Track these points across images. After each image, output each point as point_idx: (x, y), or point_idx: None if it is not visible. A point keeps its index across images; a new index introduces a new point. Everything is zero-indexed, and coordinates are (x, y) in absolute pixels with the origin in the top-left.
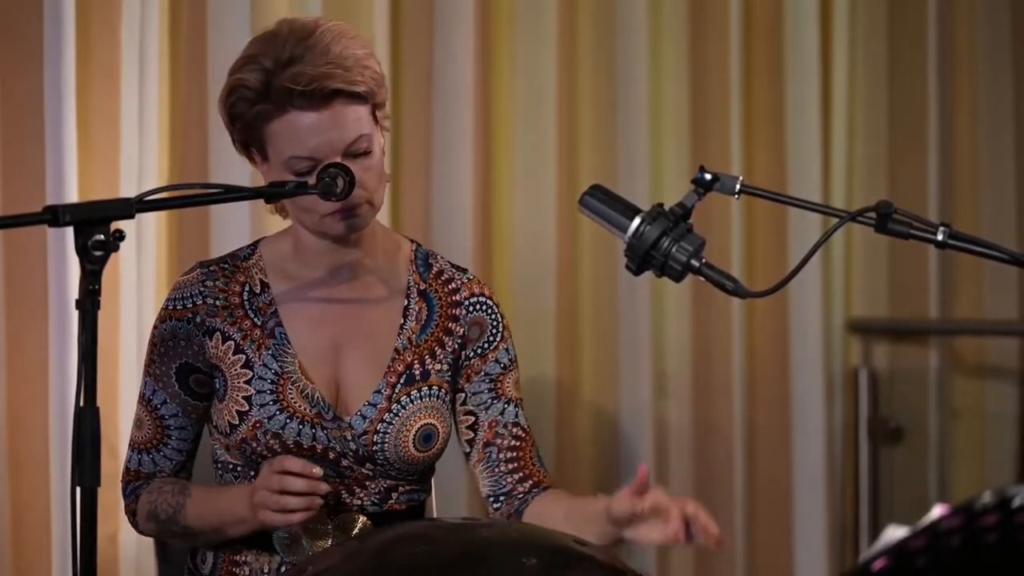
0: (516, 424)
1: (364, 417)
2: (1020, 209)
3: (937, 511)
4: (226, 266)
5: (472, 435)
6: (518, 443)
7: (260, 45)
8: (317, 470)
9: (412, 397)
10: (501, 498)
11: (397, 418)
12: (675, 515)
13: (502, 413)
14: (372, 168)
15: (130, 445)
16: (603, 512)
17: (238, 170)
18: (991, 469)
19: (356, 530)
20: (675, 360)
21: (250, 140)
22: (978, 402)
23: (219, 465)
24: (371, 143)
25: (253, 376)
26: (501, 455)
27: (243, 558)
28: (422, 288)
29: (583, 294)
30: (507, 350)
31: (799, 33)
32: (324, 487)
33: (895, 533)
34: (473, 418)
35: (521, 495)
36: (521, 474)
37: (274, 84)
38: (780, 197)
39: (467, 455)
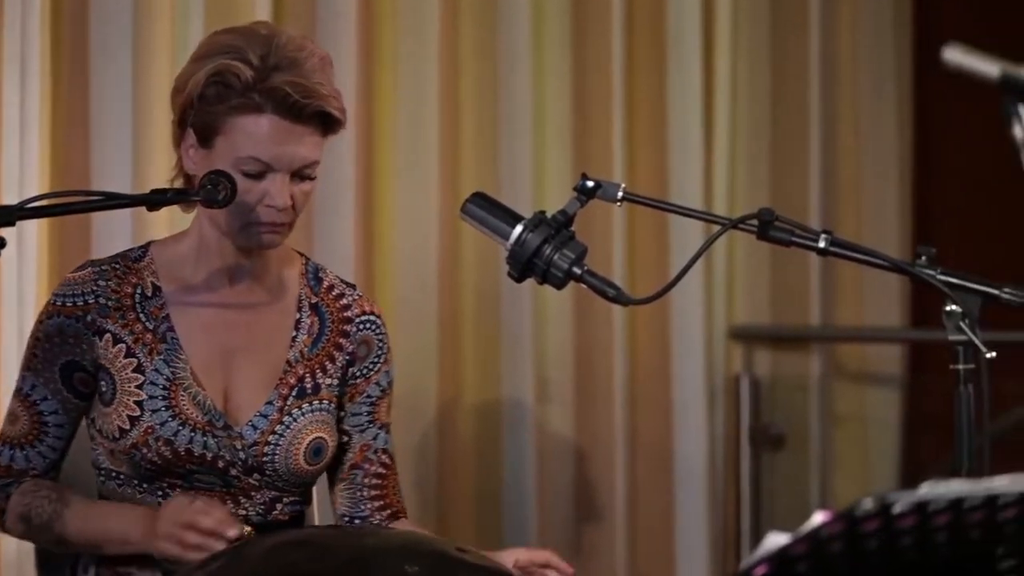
0: (385, 451)
1: (255, 428)
2: (902, 216)
3: (818, 517)
4: (117, 267)
5: (341, 455)
6: (385, 471)
7: (242, 39)
8: (233, 532)
9: (303, 410)
10: (356, 521)
11: (289, 430)
12: None
13: (374, 438)
14: (308, 194)
15: (1, 440)
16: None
17: (120, 177)
18: (872, 475)
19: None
20: (557, 367)
21: (203, 124)
22: (860, 408)
23: (101, 472)
24: (316, 174)
25: (145, 381)
26: (366, 480)
27: (127, 570)
28: (314, 302)
29: (465, 301)
30: (388, 372)
31: (681, 41)
32: (233, 533)
33: (776, 540)
34: (347, 438)
35: (378, 521)
36: (382, 502)
37: (267, 83)
38: (662, 204)
39: (331, 472)
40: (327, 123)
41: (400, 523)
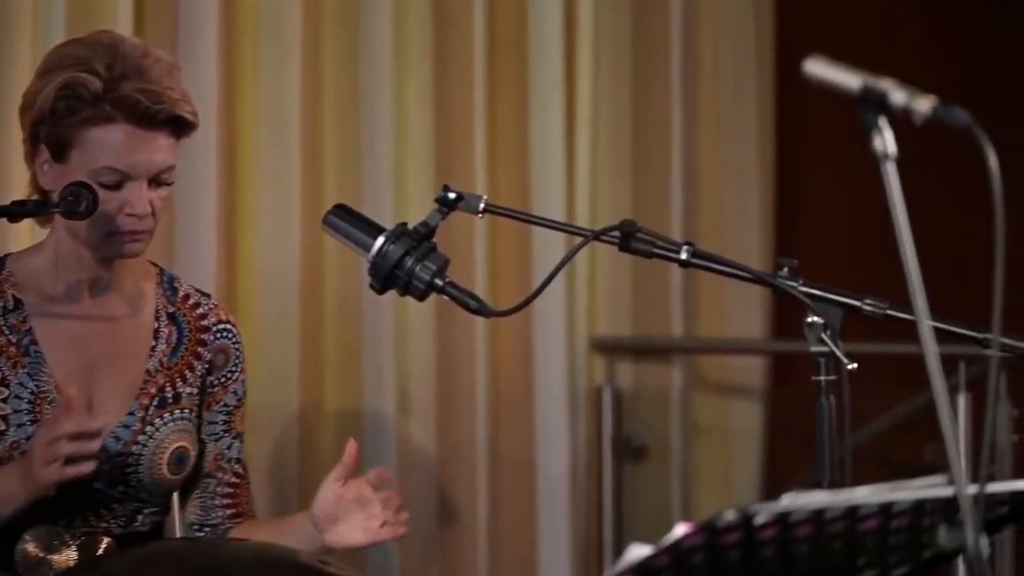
0: (239, 461)
1: (118, 439)
2: (763, 228)
3: (680, 529)
4: None
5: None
6: (238, 480)
7: (87, 49)
8: (95, 424)
9: (165, 420)
10: (206, 528)
11: (152, 440)
12: (377, 511)
13: (229, 447)
14: (167, 199)
15: None
16: (306, 519)
17: None
18: (734, 486)
19: (100, 551)
20: (418, 378)
21: (55, 139)
22: (721, 420)
23: None
24: (174, 179)
25: (9, 395)
26: (219, 489)
27: None
28: (170, 311)
29: (326, 312)
30: (243, 382)
31: (543, 52)
32: (95, 425)
33: (638, 551)
34: (201, 447)
35: (227, 529)
36: (234, 511)
37: (116, 92)
38: (524, 216)
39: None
40: (180, 127)
41: (247, 523)
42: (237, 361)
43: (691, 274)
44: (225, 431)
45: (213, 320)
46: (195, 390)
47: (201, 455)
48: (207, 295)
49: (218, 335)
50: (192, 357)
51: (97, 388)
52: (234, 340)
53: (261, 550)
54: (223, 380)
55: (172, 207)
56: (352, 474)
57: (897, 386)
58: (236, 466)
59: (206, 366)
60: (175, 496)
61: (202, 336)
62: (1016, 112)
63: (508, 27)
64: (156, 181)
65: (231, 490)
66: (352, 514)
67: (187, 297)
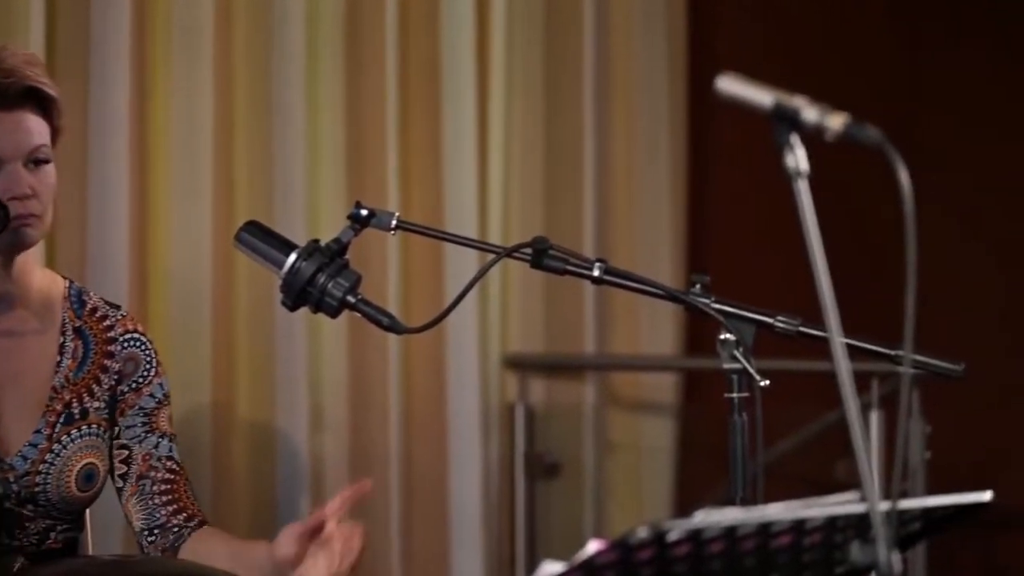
0: (170, 458)
1: (25, 458)
2: (675, 245)
3: (593, 546)
4: None
5: (126, 469)
6: (173, 476)
7: None
8: None
9: (72, 436)
10: (156, 531)
11: (59, 458)
12: (339, 548)
13: (156, 447)
14: (50, 181)
15: None
16: (267, 556)
17: None
18: (647, 503)
19: (15, 569)
20: (331, 394)
21: None
22: (634, 437)
23: None
24: (51, 156)
25: None
26: (155, 487)
27: None
28: (77, 325)
29: (239, 329)
30: (161, 385)
31: (456, 68)
32: None
33: (551, 568)
34: (127, 451)
35: (176, 528)
36: (175, 507)
37: None
38: (436, 233)
39: (120, 490)
40: (42, 102)
41: (205, 531)
42: (149, 366)
43: (604, 291)
44: (147, 432)
45: (120, 331)
46: (103, 404)
47: (127, 461)
48: (117, 307)
49: (126, 344)
50: (99, 371)
51: (3, 406)
52: (144, 348)
53: (170, 568)
54: (135, 385)
55: (85, 219)
56: (316, 532)
57: (810, 403)
58: (169, 463)
59: (115, 378)
60: (87, 512)
61: (109, 348)
62: (930, 130)
63: (421, 43)
64: (33, 159)
65: (167, 486)
66: (315, 554)
67: (95, 310)
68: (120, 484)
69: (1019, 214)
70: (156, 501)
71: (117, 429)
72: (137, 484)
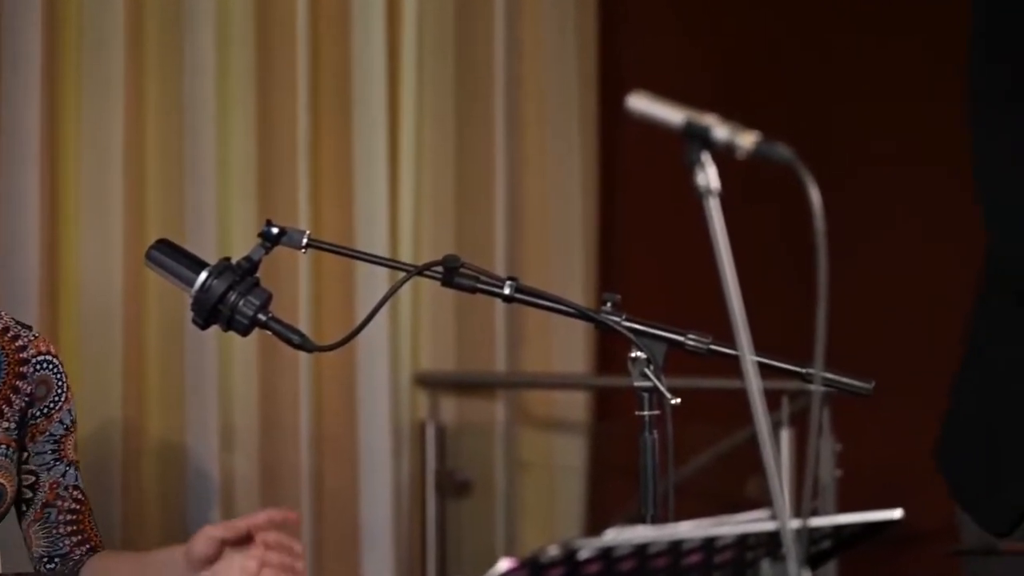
0: (76, 487)
1: None
2: (586, 263)
3: (503, 564)
4: None
5: (31, 494)
6: (78, 507)
7: None
8: None
9: None
10: (56, 559)
11: None
12: (257, 552)
13: (63, 475)
14: None
15: None
16: (173, 555)
17: None
18: (558, 522)
19: None
20: (242, 413)
21: None
22: (546, 455)
23: None
24: None
25: None
26: (61, 517)
27: None
28: None
29: (149, 347)
30: (70, 411)
31: (366, 86)
32: None
33: None
34: (34, 478)
35: (78, 556)
36: (80, 537)
37: None
38: (347, 251)
39: (22, 513)
40: None
41: (104, 554)
42: (60, 391)
43: (515, 309)
44: (56, 460)
45: (33, 352)
46: (13, 425)
47: (33, 487)
48: (28, 327)
49: (38, 367)
50: (10, 391)
51: None
52: (56, 371)
53: None
54: (46, 411)
55: None
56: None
57: (721, 421)
58: (75, 492)
59: (26, 399)
60: None
61: (21, 369)
62: (841, 148)
63: (331, 61)
64: None
65: (73, 516)
66: (230, 558)
67: (6, 330)
68: (24, 508)
69: (931, 230)
70: (61, 531)
71: (26, 454)
72: (42, 511)
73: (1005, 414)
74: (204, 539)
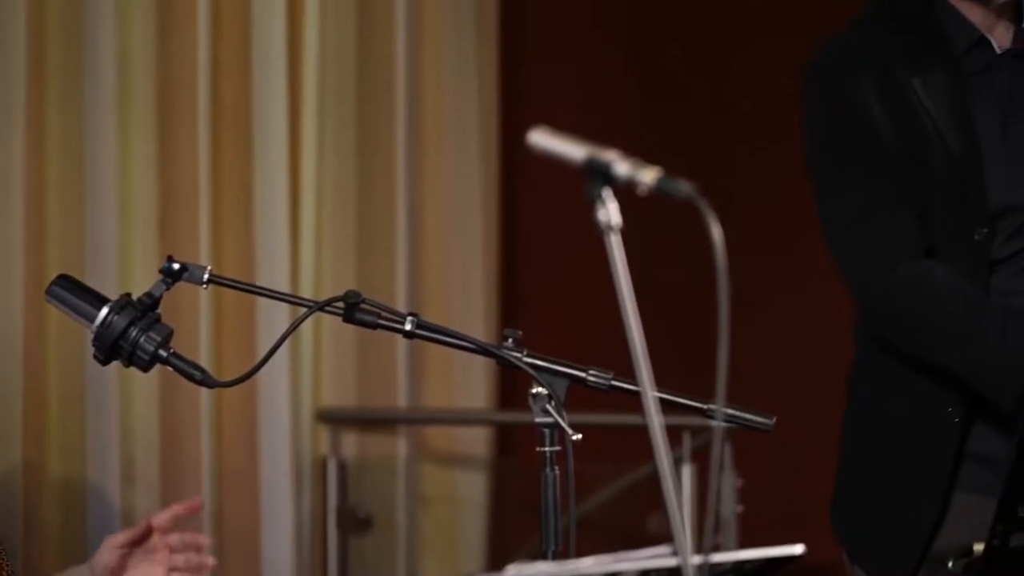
0: None
1: None
2: (487, 298)
3: None
4: None
5: None
6: None
7: None
8: None
9: None
10: None
11: None
12: (162, 557)
13: None
14: None
15: None
16: (86, 572)
17: None
18: (460, 557)
19: None
20: (143, 448)
21: None
22: (447, 490)
23: None
24: None
25: None
26: None
27: None
28: None
29: (50, 381)
30: None
31: (267, 121)
32: None
33: None
34: None
35: None
36: None
37: None
38: (248, 287)
39: None
40: None
41: None
42: None
43: (416, 345)
44: None
45: None
46: None
47: None
48: None
49: None
50: None
51: None
52: None
53: None
54: None
55: None
56: (143, 539)
57: (622, 456)
58: None
59: None
60: None
61: None
62: (746, 186)
63: (232, 96)
64: None
65: None
66: (138, 562)
67: None
68: None
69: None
70: None
71: None
72: None
73: (884, 471)
74: (108, 549)
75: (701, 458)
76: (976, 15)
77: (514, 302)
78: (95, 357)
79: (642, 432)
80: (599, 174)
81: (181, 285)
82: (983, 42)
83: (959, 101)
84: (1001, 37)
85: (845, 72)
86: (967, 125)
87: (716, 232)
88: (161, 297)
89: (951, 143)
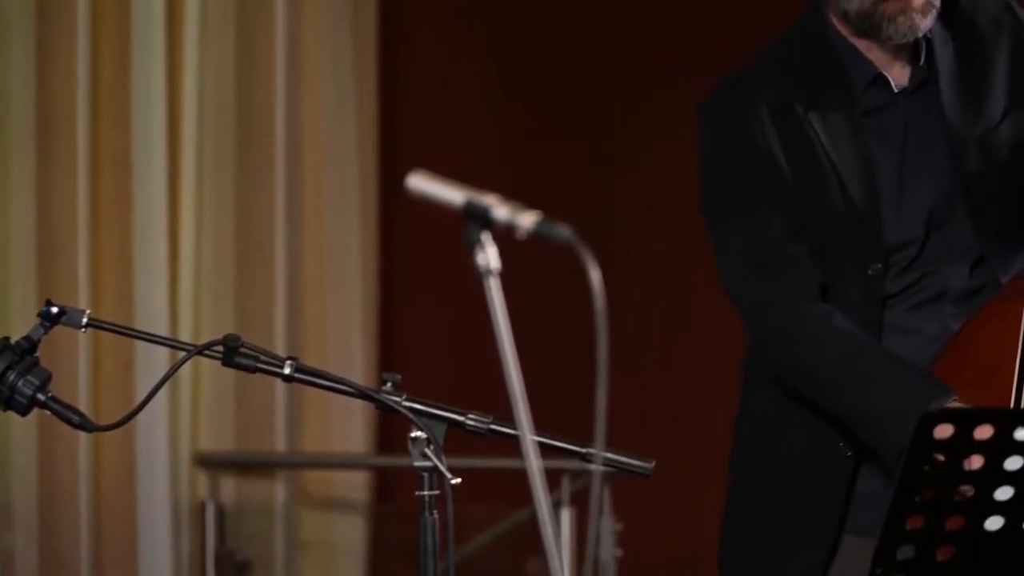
0: None
1: None
2: (366, 343)
3: None
4: None
5: None
6: None
7: None
8: None
9: None
10: None
11: None
12: None
13: None
14: None
15: None
16: None
17: None
18: None
19: None
20: (21, 492)
21: None
22: (325, 535)
23: None
24: None
25: None
26: None
27: None
28: None
29: None
30: None
31: (147, 162)
32: None
33: None
34: None
35: None
36: None
37: None
38: (127, 331)
39: None
40: None
41: None
42: None
43: (295, 389)
44: None
45: None
46: None
47: None
48: None
49: None
50: None
51: None
52: None
53: None
54: None
55: None
56: None
57: (502, 500)
58: None
59: None
60: None
61: None
62: (622, 230)
63: (111, 137)
64: None
65: None
66: None
67: None
68: None
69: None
70: None
71: None
72: None
73: (774, 512)
74: None
75: (580, 502)
76: (874, 54)
77: (393, 345)
78: None
79: (521, 476)
80: (478, 218)
81: (60, 329)
82: (880, 80)
83: (856, 138)
84: (898, 75)
85: (740, 110)
86: (864, 162)
87: (595, 276)
88: (39, 341)
89: (848, 180)
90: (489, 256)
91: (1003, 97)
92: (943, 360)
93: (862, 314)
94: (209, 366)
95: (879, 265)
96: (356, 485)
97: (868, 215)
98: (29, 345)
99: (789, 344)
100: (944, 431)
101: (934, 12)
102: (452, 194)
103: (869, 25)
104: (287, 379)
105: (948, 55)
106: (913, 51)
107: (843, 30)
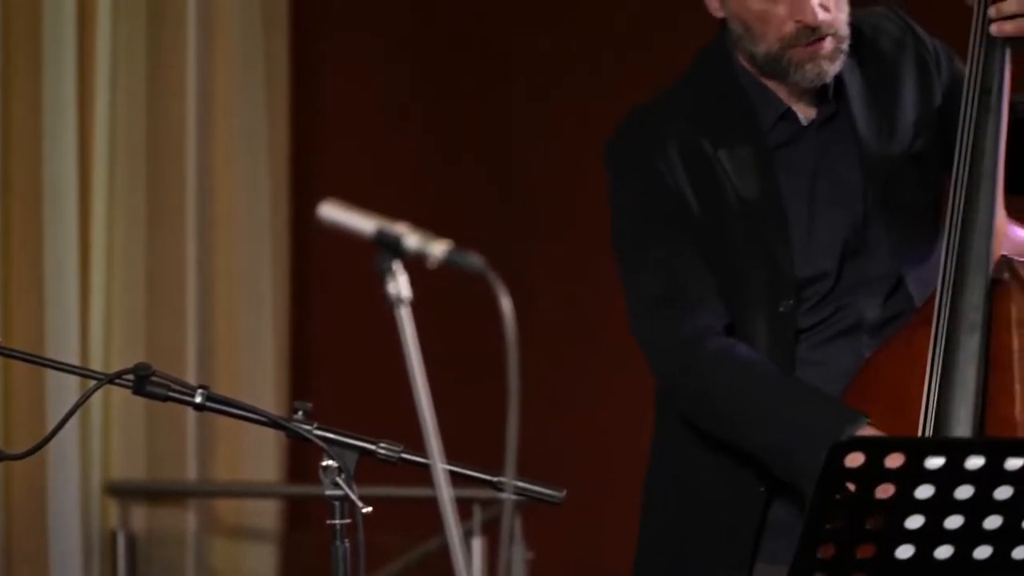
0: None
1: None
2: (278, 371)
3: None
4: None
5: None
6: None
7: None
8: None
9: None
10: None
11: None
12: None
13: None
14: None
15: None
16: None
17: None
18: None
19: None
20: None
21: None
22: (237, 564)
23: None
24: None
25: None
26: None
27: None
28: None
29: None
30: None
31: (57, 188)
32: None
33: None
34: None
35: None
36: None
37: None
38: (37, 359)
39: None
40: None
41: None
42: None
43: (206, 417)
44: None
45: None
46: None
47: None
48: None
49: None
50: None
51: None
52: None
53: None
54: None
55: None
56: None
57: (413, 529)
58: None
59: None
60: None
61: None
62: (536, 255)
63: (21, 167)
64: None
65: None
66: None
67: None
68: None
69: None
70: None
71: None
72: None
73: (687, 541)
74: None
75: (491, 531)
76: (782, 91)
77: (305, 374)
78: None
79: (432, 504)
80: (389, 247)
81: None
82: (788, 114)
83: (765, 173)
84: (806, 109)
85: (647, 146)
86: (773, 197)
87: (506, 304)
88: None
89: (756, 215)
90: (400, 285)
91: (912, 116)
92: (853, 388)
93: (772, 351)
94: (120, 395)
95: (790, 301)
96: (267, 513)
97: (776, 251)
98: None
99: (693, 381)
100: (855, 460)
101: (842, 57)
102: (363, 223)
103: (776, 70)
104: (198, 408)
105: (856, 81)
106: (821, 88)
107: (751, 70)
